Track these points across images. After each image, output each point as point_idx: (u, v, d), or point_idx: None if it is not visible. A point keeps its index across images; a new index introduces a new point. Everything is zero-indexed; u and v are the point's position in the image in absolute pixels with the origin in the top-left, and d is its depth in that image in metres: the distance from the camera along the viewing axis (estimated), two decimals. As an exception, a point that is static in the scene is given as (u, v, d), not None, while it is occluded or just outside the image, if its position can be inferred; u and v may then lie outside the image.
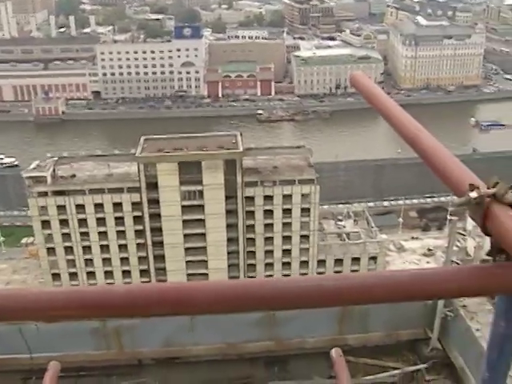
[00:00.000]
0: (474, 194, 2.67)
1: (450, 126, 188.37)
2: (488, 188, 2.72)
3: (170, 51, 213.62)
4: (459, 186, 2.82)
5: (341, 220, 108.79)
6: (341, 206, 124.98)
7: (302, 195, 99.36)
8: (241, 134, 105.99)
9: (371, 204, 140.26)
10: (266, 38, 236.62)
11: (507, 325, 2.96)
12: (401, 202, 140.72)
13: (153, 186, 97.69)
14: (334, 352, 5.88)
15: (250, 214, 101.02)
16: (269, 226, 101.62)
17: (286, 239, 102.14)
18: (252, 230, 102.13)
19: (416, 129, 3.42)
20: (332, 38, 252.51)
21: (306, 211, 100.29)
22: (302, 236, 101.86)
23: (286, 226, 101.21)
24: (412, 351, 11.66)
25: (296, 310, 8.77)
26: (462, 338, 10.93)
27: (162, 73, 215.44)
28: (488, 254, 2.80)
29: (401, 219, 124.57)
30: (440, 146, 3.24)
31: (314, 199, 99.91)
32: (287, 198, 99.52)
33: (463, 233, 76.39)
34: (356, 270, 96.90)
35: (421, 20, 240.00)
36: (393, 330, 11.53)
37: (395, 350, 11.66)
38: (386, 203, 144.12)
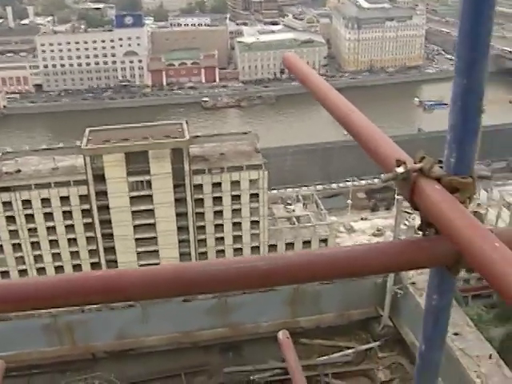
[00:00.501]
0: (400, 170, 2.72)
1: (395, 106, 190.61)
2: (415, 163, 2.77)
3: (112, 41, 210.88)
4: (388, 163, 2.87)
5: (290, 204, 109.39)
6: (290, 190, 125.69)
7: (251, 181, 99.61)
8: (187, 122, 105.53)
9: (320, 187, 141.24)
10: (208, 25, 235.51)
11: (440, 297, 3.02)
12: (349, 183, 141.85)
13: (100, 177, 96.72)
14: (281, 334, 5.93)
15: (199, 202, 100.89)
16: (218, 213, 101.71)
17: (237, 225, 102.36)
18: (202, 218, 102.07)
19: (348, 109, 3.45)
20: (275, 23, 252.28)
21: (255, 197, 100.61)
22: (252, 222, 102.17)
23: (236, 212, 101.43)
24: (364, 330, 11.82)
25: (247, 295, 8.81)
26: (412, 314, 11.08)
27: (105, 63, 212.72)
28: (418, 229, 2.86)
29: (349, 201, 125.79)
30: (370, 124, 3.28)
31: (263, 184, 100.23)
32: (236, 184, 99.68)
33: (411, 211, 77.78)
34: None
35: (362, 3, 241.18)
36: (345, 310, 11.67)
37: (348, 329, 11.80)
38: (334, 185, 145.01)
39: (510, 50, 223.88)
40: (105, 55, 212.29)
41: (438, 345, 3.23)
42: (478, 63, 2.47)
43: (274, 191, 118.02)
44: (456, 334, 9.74)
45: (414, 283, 11.23)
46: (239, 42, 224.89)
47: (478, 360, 9.25)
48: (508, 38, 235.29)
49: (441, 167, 2.77)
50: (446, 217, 2.48)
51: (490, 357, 9.43)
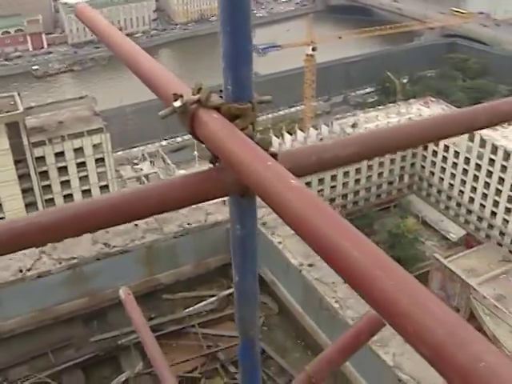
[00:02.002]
0: (177, 103, 2.70)
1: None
2: (193, 95, 2.76)
3: None
4: (169, 98, 2.84)
5: (137, 164, 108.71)
6: (135, 149, 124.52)
7: (94, 146, 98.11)
8: (19, 94, 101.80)
9: (164, 142, 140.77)
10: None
11: (242, 226, 3.06)
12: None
13: None
14: (122, 292, 5.88)
15: (45, 175, 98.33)
16: (66, 183, 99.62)
17: (86, 193, 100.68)
18: (49, 191, 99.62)
19: (136, 53, 3.40)
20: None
21: (100, 161, 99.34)
22: (101, 187, 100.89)
23: (84, 179, 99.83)
24: (224, 276, 11.95)
25: (102, 261, 8.66)
26: (267, 253, 11.31)
27: None
28: (210, 162, 2.86)
29: (196, 152, 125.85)
30: (155, 64, 3.24)
31: (107, 148, 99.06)
32: (79, 151, 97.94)
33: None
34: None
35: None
36: (201, 260, 11.77)
37: (208, 278, 11.90)
38: (179, 139, 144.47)
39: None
40: None
41: (250, 274, 3.29)
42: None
43: (120, 153, 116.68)
44: (311, 265, 10.09)
45: (264, 223, 11.45)
46: (63, 3, 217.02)
47: (334, 286, 9.65)
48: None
49: (221, 97, 2.77)
50: (224, 144, 2.49)
51: (345, 281, 9.88)
